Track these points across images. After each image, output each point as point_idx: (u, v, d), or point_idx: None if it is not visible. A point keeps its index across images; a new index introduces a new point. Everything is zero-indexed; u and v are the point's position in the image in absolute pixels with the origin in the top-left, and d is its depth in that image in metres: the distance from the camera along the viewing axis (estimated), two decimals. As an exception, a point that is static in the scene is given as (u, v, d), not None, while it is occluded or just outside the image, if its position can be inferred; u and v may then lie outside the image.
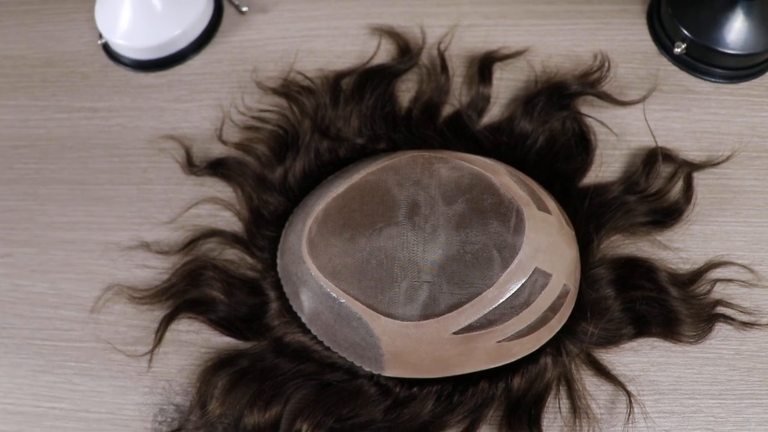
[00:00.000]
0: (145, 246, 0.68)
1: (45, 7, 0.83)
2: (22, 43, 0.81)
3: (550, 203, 0.57)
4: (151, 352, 0.63)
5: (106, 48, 0.78)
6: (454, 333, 0.52)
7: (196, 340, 0.64)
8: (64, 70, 0.79)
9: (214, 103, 0.74)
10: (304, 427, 0.56)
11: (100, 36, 0.78)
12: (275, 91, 0.71)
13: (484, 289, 0.51)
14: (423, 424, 0.56)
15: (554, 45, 0.74)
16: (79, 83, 0.78)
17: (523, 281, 0.52)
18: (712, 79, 0.71)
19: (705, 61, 0.71)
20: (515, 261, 0.51)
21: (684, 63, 0.72)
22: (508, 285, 0.51)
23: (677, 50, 0.71)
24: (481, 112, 0.69)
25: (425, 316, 0.52)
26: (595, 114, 0.69)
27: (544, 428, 0.56)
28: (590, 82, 0.69)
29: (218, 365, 0.60)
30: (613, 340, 0.59)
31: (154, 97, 0.76)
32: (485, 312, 0.51)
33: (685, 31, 0.70)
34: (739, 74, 0.71)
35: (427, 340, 0.52)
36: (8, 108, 0.78)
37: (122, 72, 0.78)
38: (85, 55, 0.80)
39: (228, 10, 0.80)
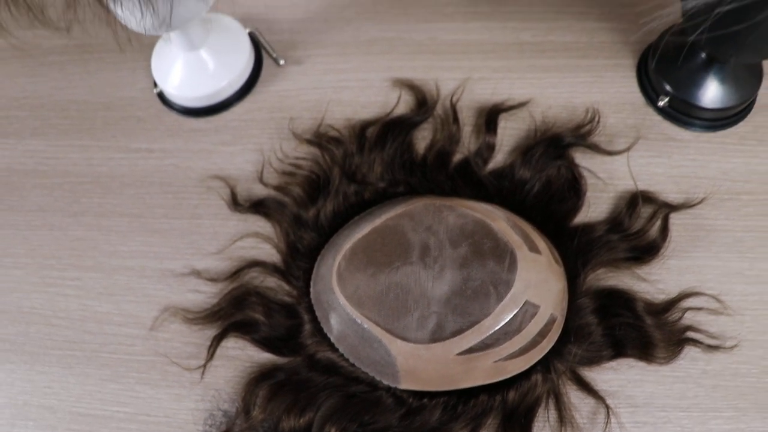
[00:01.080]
0: (197, 273, 0.77)
1: (106, 56, 0.92)
2: (85, 89, 0.90)
3: (541, 244, 0.66)
4: (204, 366, 0.72)
5: (161, 96, 0.88)
6: (458, 354, 0.62)
7: (241, 356, 0.72)
8: (122, 114, 0.88)
9: (256, 148, 0.83)
10: (333, 431, 0.66)
11: (155, 85, 0.88)
12: (309, 142, 0.80)
13: (482, 318, 0.61)
14: (431, 430, 0.65)
15: (554, 96, 0.82)
16: (136, 126, 0.87)
17: (515, 312, 0.61)
18: (692, 129, 0.80)
19: (685, 113, 0.79)
20: (509, 295, 0.61)
21: (667, 114, 0.81)
22: (503, 315, 0.61)
23: (661, 103, 0.80)
24: (486, 159, 0.77)
25: (434, 340, 0.62)
26: (587, 160, 0.78)
27: (534, 435, 0.66)
28: (582, 135, 0.78)
29: (260, 377, 0.70)
30: (595, 360, 0.68)
31: (203, 141, 0.85)
32: (483, 337, 0.61)
33: (668, 87, 0.79)
34: (715, 124, 0.80)
35: (435, 360, 0.62)
36: (74, 148, 0.87)
37: (174, 117, 0.87)
38: (141, 101, 0.88)
39: (267, 62, 0.89)
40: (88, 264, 0.80)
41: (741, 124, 0.80)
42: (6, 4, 0.54)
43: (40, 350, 0.76)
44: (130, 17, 0.68)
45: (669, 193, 0.77)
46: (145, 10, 0.62)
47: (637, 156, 0.79)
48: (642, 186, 0.77)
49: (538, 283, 0.63)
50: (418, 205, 0.67)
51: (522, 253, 0.63)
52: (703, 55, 0.76)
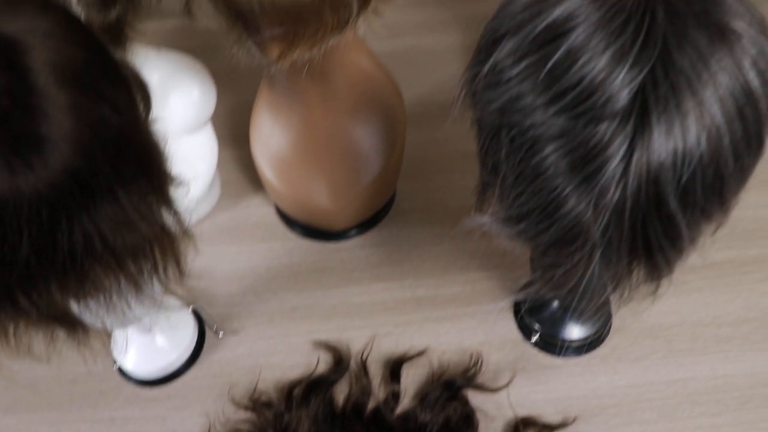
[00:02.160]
0: None
1: (70, 341, 1.07)
2: (53, 369, 1.00)
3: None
4: None
5: (120, 370, 1.03)
6: None
7: None
8: (86, 388, 1.00)
9: (203, 411, 0.96)
10: None
11: (115, 362, 1.03)
12: (245, 407, 0.95)
13: None
14: None
15: (447, 342, 0.99)
16: (99, 398, 0.99)
17: None
18: (562, 356, 0.97)
19: (555, 344, 0.97)
20: None
21: (541, 346, 0.98)
22: None
23: (534, 339, 0.98)
24: (394, 407, 0.93)
25: None
26: (477, 397, 0.93)
27: None
28: (469, 377, 0.94)
29: None
30: None
31: (157, 407, 0.97)
32: None
33: (537, 326, 0.97)
34: (581, 350, 0.98)
35: None
36: (44, 421, 0.98)
37: (132, 388, 0.99)
38: (103, 374, 1.00)
39: (209, 333, 1.04)
40: None
41: (602, 346, 0.98)
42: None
43: None
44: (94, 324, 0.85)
45: (548, 414, 0.93)
46: (103, 325, 0.79)
47: (519, 386, 0.95)
48: (524, 411, 0.93)
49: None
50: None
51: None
52: (557, 302, 0.96)
